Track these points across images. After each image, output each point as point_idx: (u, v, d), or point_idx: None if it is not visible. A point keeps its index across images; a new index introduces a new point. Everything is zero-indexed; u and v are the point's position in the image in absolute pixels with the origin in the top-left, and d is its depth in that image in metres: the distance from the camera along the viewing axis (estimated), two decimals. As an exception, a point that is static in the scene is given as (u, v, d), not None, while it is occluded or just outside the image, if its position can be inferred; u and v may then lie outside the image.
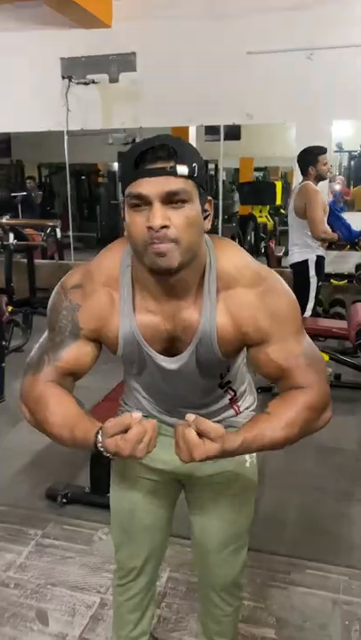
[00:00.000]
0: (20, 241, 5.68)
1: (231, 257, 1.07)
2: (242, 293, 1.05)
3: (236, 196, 8.43)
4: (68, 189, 6.38)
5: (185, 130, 6.00)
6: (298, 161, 4.00)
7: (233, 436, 0.99)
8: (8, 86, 5.62)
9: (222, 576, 1.37)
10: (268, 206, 7.64)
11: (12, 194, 8.43)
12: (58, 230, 5.95)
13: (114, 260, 1.09)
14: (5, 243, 5.57)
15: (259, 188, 7.98)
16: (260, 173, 9.24)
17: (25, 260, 6.01)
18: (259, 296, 1.05)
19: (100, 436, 0.96)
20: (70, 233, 6.63)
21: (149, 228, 0.94)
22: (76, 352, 1.09)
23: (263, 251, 6.90)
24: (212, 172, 7.23)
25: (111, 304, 1.08)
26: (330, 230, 3.98)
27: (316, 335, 4.03)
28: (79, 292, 1.09)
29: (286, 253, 6.24)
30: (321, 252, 3.96)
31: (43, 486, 2.55)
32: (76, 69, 5.54)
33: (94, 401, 2.69)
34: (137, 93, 5.37)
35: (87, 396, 2.91)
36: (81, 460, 2.62)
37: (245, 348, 1.14)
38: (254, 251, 6.85)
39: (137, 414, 0.95)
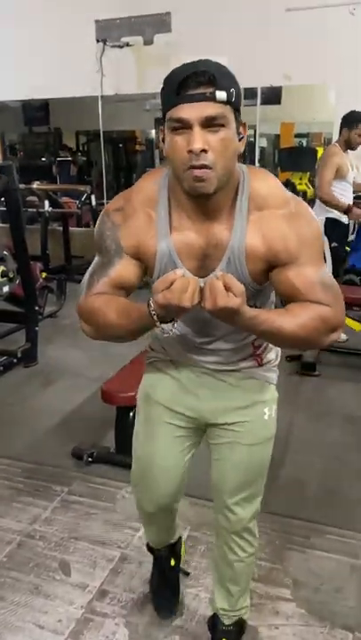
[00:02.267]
0: (55, 208, 5.73)
1: (265, 181, 1.15)
2: (273, 215, 1.12)
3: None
4: (103, 157, 6.37)
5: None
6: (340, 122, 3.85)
7: (250, 308, 1.07)
8: (43, 51, 5.60)
9: (235, 520, 1.43)
10: (308, 173, 7.44)
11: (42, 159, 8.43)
12: (93, 198, 5.96)
13: (152, 183, 1.19)
14: (41, 210, 5.63)
15: (299, 154, 7.78)
16: (303, 139, 8.96)
17: (60, 228, 6.08)
18: (288, 219, 1.12)
19: (151, 303, 1.05)
20: (105, 201, 6.65)
21: (190, 151, 1.01)
22: (120, 269, 1.18)
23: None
24: (252, 139, 7.07)
25: (149, 222, 1.16)
26: (333, 194, 3.69)
27: (351, 304, 3.95)
28: (120, 214, 1.19)
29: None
30: (334, 214, 3.79)
31: (70, 446, 2.62)
32: (110, 32, 5.47)
33: (124, 362, 2.74)
34: (172, 55, 5.25)
35: (122, 361, 2.92)
36: (107, 422, 2.68)
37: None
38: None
39: (179, 271, 1.04)
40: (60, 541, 2.09)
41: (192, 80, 0.99)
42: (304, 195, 7.25)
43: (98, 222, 1.24)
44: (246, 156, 7.83)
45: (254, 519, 1.47)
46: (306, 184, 7.44)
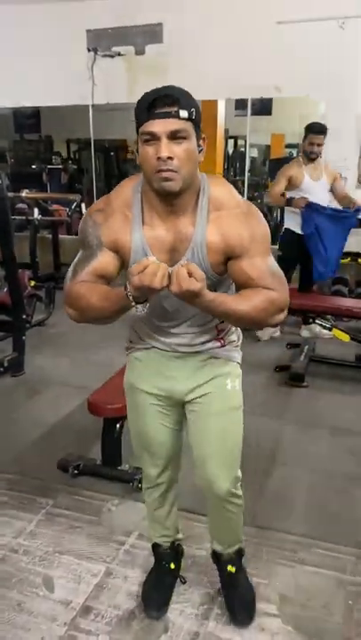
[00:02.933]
0: (44, 216, 5.71)
1: (222, 187, 1.38)
2: (229, 214, 1.35)
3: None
4: (93, 165, 6.36)
5: (214, 104, 5.88)
6: None
7: (209, 292, 1.27)
8: (34, 59, 5.60)
9: (217, 489, 1.60)
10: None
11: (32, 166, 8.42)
12: (83, 206, 5.95)
13: (127, 188, 1.40)
14: (30, 218, 5.61)
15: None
16: (293, 150, 9.03)
17: (50, 236, 6.05)
18: (242, 218, 1.35)
19: (127, 285, 1.23)
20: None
21: (158, 158, 1.24)
22: (101, 260, 1.38)
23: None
24: (242, 149, 7.10)
25: (126, 221, 1.37)
26: (277, 197, 4.06)
27: (337, 315, 3.96)
28: (101, 214, 1.39)
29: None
30: (290, 225, 4.14)
31: (55, 457, 2.59)
32: (101, 41, 5.48)
33: (110, 373, 2.72)
34: (163, 66, 5.27)
35: (106, 369, 2.89)
36: (94, 434, 2.65)
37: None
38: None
39: (152, 257, 1.23)
40: (45, 556, 2.05)
41: (160, 101, 1.22)
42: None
43: (81, 221, 1.43)
44: (237, 166, 7.88)
45: (237, 484, 1.64)
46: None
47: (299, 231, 4.10)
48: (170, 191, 1.28)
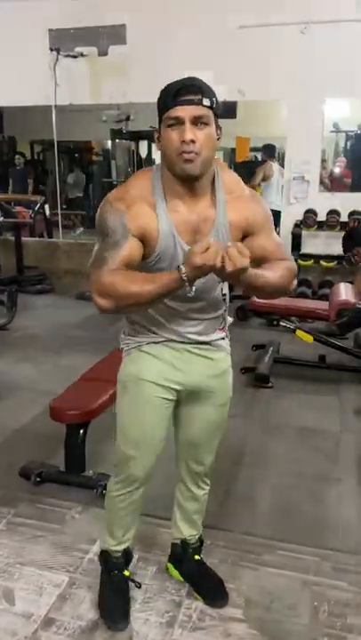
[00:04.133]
0: (6, 218, 5.60)
1: (230, 173, 1.53)
2: (241, 196, 1.49)
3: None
4: (57, 166, 6.28)
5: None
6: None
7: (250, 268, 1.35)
8: (-5, 59, 5.48)
9: (203, 467, 1.75)
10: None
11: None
12: (47, 207, 5.86)
13: (145, 178, 1.47)
14: (-8, 220, 5.49)
15: (254, 167, 7.86)
16: (258, 153, 9.09)
17: (13, 238, 5.94)
18: (251, 199, 1.51)
19: (182, 267, 1.30)
20: (59, 211, 6.53)
21: (183, 141, 1.34)
22: (129, 247, 1.40)
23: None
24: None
25: (150, 208, 1.42)
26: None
27: (300, 316, 4.00)
28: (122, 203, 1.42)
29: (278, 234, 6.23)
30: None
31: (17, 465, 2.52)
32: (64, 41, 5.41)
33: (75, 377, 2.66)
34: (126, 67, 5.25)
35: (73, 373, 2.85)
36: (56, 440, 2.59)
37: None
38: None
39: (211, 239, 1.39)
40: (5, 567, 1.98)
41: (186, 89, 1.34)
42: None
43: (101, 210, 1.44)
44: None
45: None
46: (261, 194, 7.54)
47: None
48: (191, 173, 1.37)
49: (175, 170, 1.38)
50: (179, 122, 1.34)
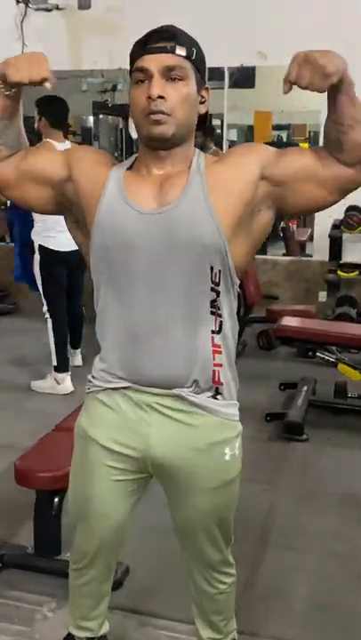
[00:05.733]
0: None
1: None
2: (233, 152, 1.61)
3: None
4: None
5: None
6: None
7: None
8: None
9: (208, 560, 1.64)
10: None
11: None
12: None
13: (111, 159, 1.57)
14: None
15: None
16: (283, 132, 9.22)
17: None
18: (240, 148, 1.63)
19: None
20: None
21: (149, 97, 1.36)
22: (45, 156, 1.54)
23: (281, 234, 6.85)
24: (218, 131, 7.20)
25: (104, 167, 1.49)
26: None
27: (343, 345, 4.00)
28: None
29: (311, 238, 6.22)
30: None
31: (-29, 545, 2.50)
32: (35, -9, 5.53)
33: (47, 427, 2.65)
34: (115, 23, 5.35)
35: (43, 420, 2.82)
36: (22, 512, 2.58)
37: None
38: (269, 235, 6.81)
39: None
40: None
41: (156, 35, 1.38)
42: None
43: None
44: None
45: (228, 549, 1.67)
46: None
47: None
48: (160, 136, 1.39)
49: (142, 133, 1.41)
50: (146, 75, 1.37)
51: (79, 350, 4.69)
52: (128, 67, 1.41)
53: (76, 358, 4.66)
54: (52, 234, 4.04)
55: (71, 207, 1.53)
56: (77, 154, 1.57)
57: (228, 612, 1.76)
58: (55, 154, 1.60)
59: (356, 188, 1.44)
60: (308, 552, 2.62)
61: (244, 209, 1.42)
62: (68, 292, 4.38)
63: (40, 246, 4.21)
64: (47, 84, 1.36)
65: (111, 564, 1.72)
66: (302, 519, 2.84)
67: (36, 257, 4.24)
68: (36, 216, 4.08)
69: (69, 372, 4.28)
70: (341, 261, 5.46)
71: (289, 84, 1.31)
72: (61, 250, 4.08)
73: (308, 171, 1.41)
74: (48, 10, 5.53)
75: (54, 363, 4.26)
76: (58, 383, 4.23)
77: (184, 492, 1.57)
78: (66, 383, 4.24)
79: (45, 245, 4.18)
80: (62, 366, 4.27)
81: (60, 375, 4.24)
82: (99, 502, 1.58)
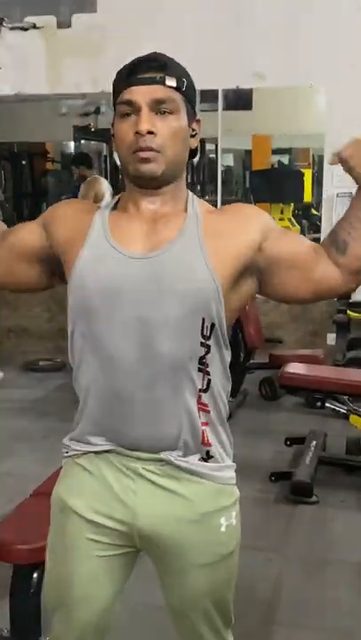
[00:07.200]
0: None
1: (206, 204, 1.55)
2: (235, 209, 1.61)
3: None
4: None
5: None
6: None
7: None
8: None
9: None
10: (291, 205, 7.70)
11: None
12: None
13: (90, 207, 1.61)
14: None
15: (278, 178, 8.04)
16: (284, 157, 9.35)
17: None
18: (243, 207, 1.66)
19: None
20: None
21: (137, 133, 1.37)
22: (22, 230, 1.59)
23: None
24: (212, 155, 7.30)
25: (85, 214, 1.52)
26: None
27: (355, 395, 4.02)
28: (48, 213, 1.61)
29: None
30: None
31: None
32: (10, 8, 5.64)
33: (23, 493, 2.65)
34: (97, 43, 5.45)
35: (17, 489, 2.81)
36: (-2, 588, 2.56)
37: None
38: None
39: None
40: None
41: (143, 65, 1.40)
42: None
43: None
44: (205, 182, 8.09)
45: (228, 630, 1.64)
46: (290, 220, 7.67)
47: None
48: (149, 174, 1.41)
49: (129, 171, 1.44)
50: (134, 109, 1.39)
51: None
52: (112, 90, 1.43)
53: None
54: None
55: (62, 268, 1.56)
56: (57, 211, 1.59)
57: None
58: (31, 223, 1.61)
59: (331, 298, 1.56)
60: (321, 630, 2.60)
61: (238, 266, 1.44)
62: None
63: None
64: None
65: None
66: (313, 592, 2.82)
67: None
68: None
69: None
70: (351, 300, 5.47)
71: (337, 157, 1.41)
72: None
73: (302, 260, 1.46)
74: (24, 29, 5.64)
75: None
76: None
77: (176, 568, 1.54)
78: None
79: None
80: None
81: None
82: (81, 583, 1.53)
